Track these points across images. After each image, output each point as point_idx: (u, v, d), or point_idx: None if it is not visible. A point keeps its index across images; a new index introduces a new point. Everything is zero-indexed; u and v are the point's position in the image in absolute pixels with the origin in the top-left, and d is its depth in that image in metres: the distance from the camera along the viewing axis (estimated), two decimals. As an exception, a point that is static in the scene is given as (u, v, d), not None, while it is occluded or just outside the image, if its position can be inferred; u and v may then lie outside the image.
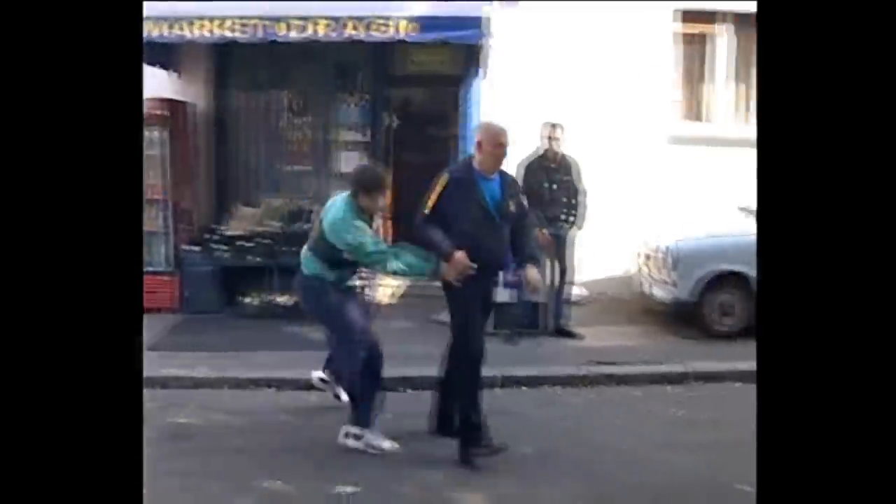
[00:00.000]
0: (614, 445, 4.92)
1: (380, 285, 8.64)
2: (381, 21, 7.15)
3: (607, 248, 8.19)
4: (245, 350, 6.83)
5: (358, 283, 7.90)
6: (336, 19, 7.16)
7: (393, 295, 8.77)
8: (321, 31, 7.17)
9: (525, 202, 5.00)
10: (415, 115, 10.24)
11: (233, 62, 9.13)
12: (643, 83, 8.74)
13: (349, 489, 4.25)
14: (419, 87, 9.73)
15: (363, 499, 4.18)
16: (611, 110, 8.59)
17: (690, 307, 7.24)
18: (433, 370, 6.12)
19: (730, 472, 4.42)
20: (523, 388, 6.14)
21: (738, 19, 9.13)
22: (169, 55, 8.54)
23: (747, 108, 9.34)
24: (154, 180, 8.11)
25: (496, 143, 4.68)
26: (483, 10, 7.30)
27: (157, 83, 8.17)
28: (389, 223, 9.33)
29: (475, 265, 4.53)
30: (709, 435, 5.08)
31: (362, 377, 4.81)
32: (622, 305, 8.33)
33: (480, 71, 8.07)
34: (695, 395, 6.00)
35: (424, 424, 4.94)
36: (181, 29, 7.20)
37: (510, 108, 8.37)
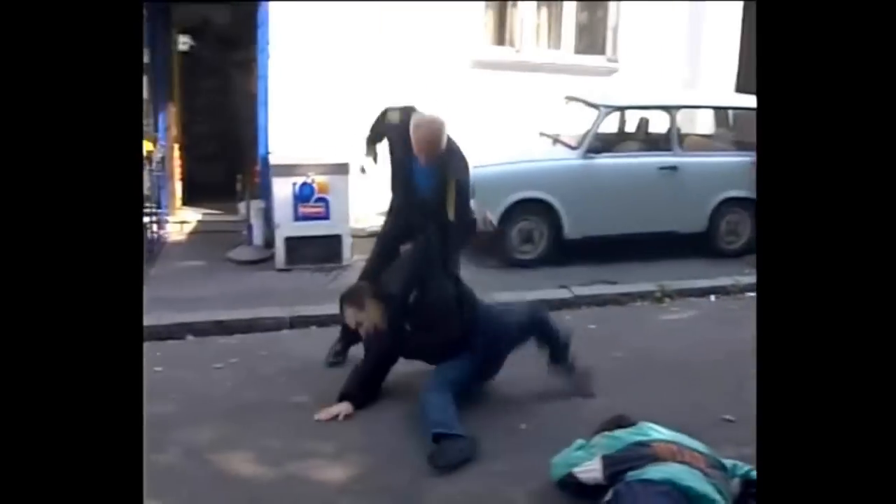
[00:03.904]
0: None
1: (168, 220, 8.04)
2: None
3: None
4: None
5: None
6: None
7: (182, 230, 8.17)
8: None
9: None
10: (208, 36, 9.55)
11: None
12: (447, 5, 8.43)
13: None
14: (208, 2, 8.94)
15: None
16: (414, 33, 8.26)
17: (489, 235, 7.14)
18: (227, 313, 5.82)
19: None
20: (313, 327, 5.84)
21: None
22: None
23: (551, 34, 9.28)
24: None
25: (416, 140, 4.55)
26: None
27: None
28: (177, 151, 8.66)
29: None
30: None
31: None
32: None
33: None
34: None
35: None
36: None
37: (304, 28, 7.89)
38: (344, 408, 4.36)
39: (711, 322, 5.99)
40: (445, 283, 4.61)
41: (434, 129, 4.58)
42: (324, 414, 4.33)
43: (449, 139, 4.68)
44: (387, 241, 5.09)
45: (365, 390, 4.48)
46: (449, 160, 4.65)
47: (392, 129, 4.93)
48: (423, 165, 4.68)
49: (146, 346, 5.38)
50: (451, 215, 4.60)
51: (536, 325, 4.64)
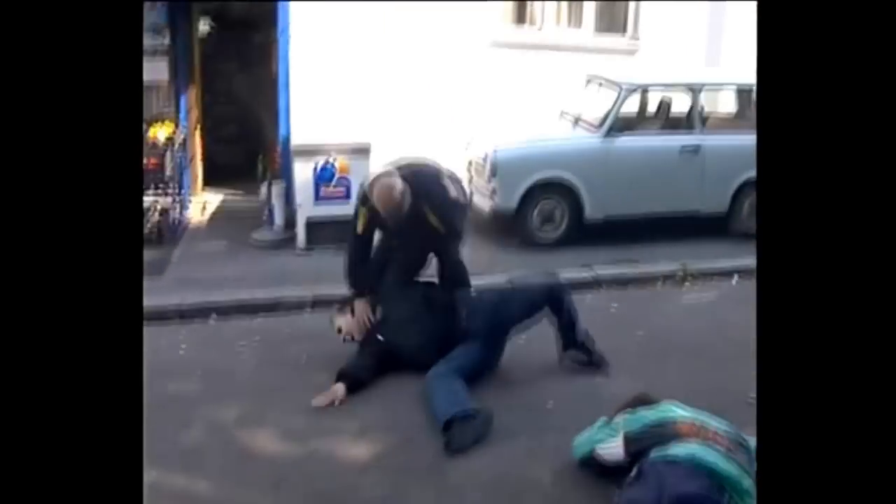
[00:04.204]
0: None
1: (190, 203, 8.08)
2: None
3: (431, 156, 7.92)
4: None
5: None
6: None
7: (204, 212, 8.22)
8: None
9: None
10: (228, 19, 9.56)
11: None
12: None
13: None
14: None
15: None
16: (434, 12, 8.22)
17: (511, 216, 7.13)
18: (249, 294, 5.87)
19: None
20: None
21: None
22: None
23: (572, 13, 9.20)
24: None
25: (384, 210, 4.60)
26: None
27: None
28: (198, 133, 8.70)
29: None
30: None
31: None
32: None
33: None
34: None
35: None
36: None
37: (324, 9, 7.87)
38: (339, 392, 4.33)
39: (733, 303, 5.95)
40: (410, 294, 4.78)
41: (383, 187, 4.57)
42: (320, 399, 4.29)
43: (413, 188, 4.64)
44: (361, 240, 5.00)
45: (360, 379, 4.49)
46: (416, 207, 4.64)
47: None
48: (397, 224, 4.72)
49: (170, 326, 5.47)
50: (440, 229, 4.68)
51: (552, 297, 4.66)
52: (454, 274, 5.00)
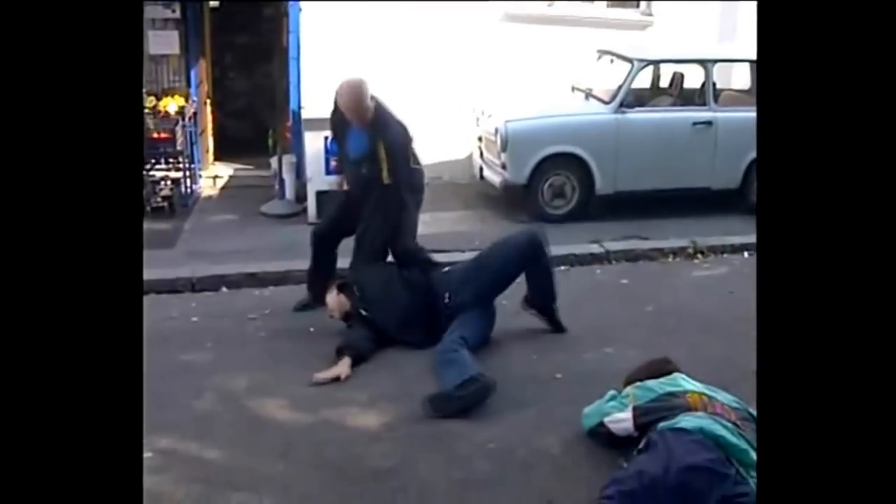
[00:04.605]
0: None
1: (201, 175, 8.10)
2: None
3: (443, 130, 7.91)
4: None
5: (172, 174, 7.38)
6: None
7: (214, 185, 8.24)
8: None
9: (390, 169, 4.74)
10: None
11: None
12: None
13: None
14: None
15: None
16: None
17: (521, 190, 7.11)
18: (259, 266, 5.91)
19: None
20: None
21: None
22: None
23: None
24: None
25: (346, 108, 4.73)
26: None
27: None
28: (209, 106, 8.70)
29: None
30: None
31: None
32: (459, 190, 8.15)
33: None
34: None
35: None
36: None
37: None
38: (343, 369, 4.32)
39: (744, 278, 5.92)
40: (382, 270, 4.90)
41: (352, 90, 4.71)
42: (321, 376, 4.27)
43: (381, 107, 4.82)
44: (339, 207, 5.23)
45: (360, 351, 4.51)
46: (377, 124, 4.76)
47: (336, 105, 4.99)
48: (358, 130, 4.82)
49: (182, 297, 5.50)
50: (385, 178, 4.71)
51: (530, 249, 4.68)
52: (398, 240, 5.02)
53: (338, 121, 4.99)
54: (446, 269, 4.99)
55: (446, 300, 4.67)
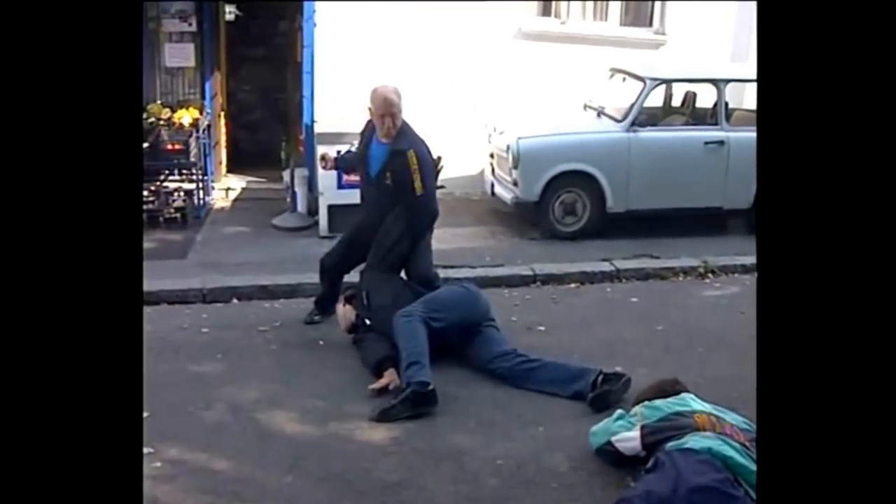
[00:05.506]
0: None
1: (213, 187, 8.15)
2: None
3: (455, 146, 7.93)
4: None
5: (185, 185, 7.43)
6: None
7: (227, 197, 8.28)
8: None
9: (410, 181, 4.81)
10: (254, 5, 9.60)
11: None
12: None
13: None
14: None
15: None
16: (460, 3, 8.20)
17: (532, 207, 7.12)
18: (271, 279, 5.93)
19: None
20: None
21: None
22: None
23: (598, 5, 9.15)
24: None
25: (378, 111, 4.83)
26: None
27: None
28: (222, 119, 8.76)
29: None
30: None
31: None
32: (470, 206, 8.17)
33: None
34: (532, 297, 5.93)
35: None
36: None
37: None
38: (391, 378, 4.34)
39: (754, 299, 5.91)
40: (394, 280, 4.93)
41: (386, 93, 4.84)
42: (375, 386, 4.32)
43: (406, 124, 4.92)
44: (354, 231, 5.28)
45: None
46: (402, 138, 4.85)
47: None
48: (379, 144, 4.91)
49: (194, 308, 5.52)
50: (418, 188, 4.79)
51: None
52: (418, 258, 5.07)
53: (366, 140, 5.08)
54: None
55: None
